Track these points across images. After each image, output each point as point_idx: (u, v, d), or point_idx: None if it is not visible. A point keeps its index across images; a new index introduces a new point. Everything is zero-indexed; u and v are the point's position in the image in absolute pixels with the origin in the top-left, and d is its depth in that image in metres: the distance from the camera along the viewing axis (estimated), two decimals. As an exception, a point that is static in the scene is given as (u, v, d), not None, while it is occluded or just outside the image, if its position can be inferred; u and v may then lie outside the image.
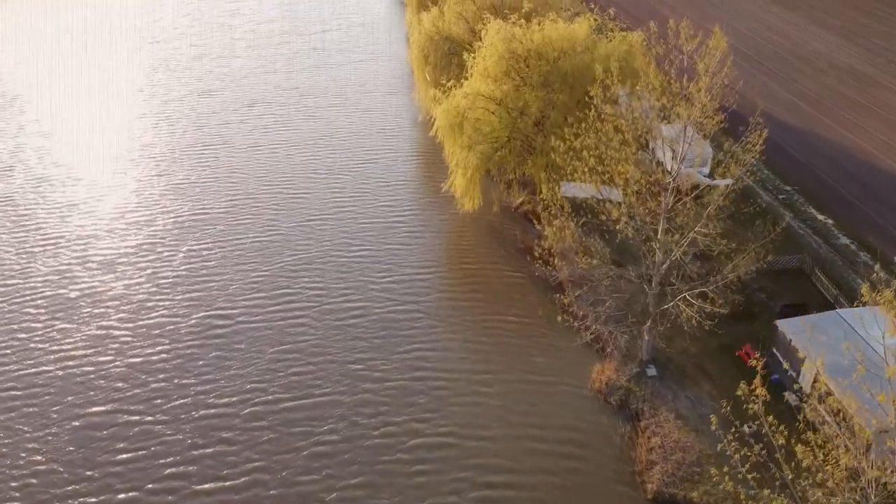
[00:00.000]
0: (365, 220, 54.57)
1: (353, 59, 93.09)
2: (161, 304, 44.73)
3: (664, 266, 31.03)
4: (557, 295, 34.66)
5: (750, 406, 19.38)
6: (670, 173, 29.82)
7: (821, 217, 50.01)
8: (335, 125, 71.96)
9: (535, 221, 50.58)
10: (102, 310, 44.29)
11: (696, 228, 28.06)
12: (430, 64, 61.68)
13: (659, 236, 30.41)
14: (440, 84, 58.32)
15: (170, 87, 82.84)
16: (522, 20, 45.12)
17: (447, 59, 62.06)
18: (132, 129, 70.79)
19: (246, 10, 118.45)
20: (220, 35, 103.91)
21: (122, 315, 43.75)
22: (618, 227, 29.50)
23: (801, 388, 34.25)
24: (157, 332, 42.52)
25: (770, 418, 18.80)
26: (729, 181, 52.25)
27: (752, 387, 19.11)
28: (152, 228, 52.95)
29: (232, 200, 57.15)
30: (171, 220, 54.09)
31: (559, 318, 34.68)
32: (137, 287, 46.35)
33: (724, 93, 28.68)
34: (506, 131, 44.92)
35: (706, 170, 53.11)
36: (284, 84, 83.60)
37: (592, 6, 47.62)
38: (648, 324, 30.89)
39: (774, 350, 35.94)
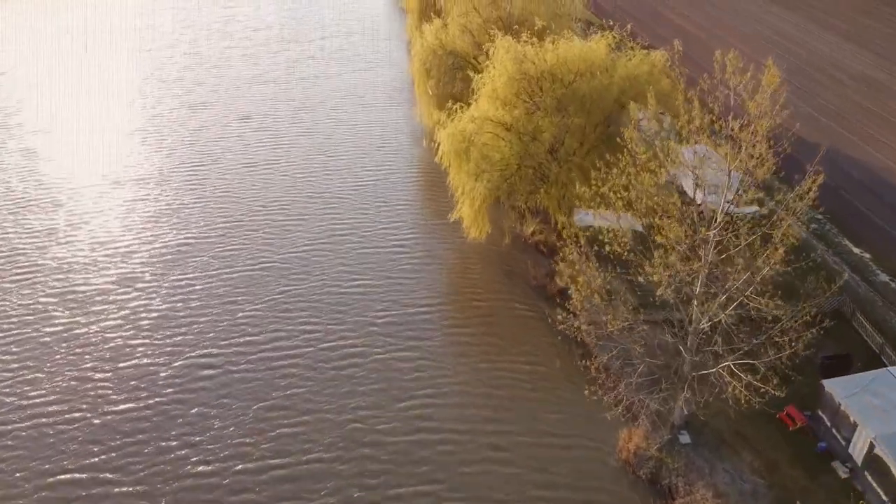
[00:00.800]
0: (364, 248, 50.94)
1: (352, 68, 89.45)
2: (140, 348, 41.07)
3: (704, 325, 27.32)
4: (584, 361, 31.02)
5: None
6: (712, 226, 26.15)
7: (856, 250, 46.32)
8: (333, 140, 68.31)
9: (546, 252, 47.06)
10: (77, 355, 40.63)
11: (747, 293, 24.45)
12: (432, 78, 58.18)
13: (697, 293, 26.73)
14: (443, 104, 54.94)
15: (160, 98, 79.17)
16: (535, 38, 41.48)
17: (451, 73, 58.66)
18: (119, 146, 67.03)
19: (241, 16, 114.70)
20: (214, 42, 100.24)
21: (97, 362, 40.08)
22: (658, 293, 25.89)
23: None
24: (134, 381, 38.84)
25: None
26: (755, 209, 48.73)
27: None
28: (134, 259, 49.25)
29: (222, 226, 53.48)
30: (155, 249, 50.39)
31: (586, 392, 30.98)
32: (116, 328, 42.67)
33: (779, 135, 25.11)
34: (516, 158, 41.27)
35: (730, 195, 49.43)
36: (280, 95, 79.95)
37: (610, 24, 43.90)
38: (686, 394, 27.23)
39: (820, 412, 32.32)
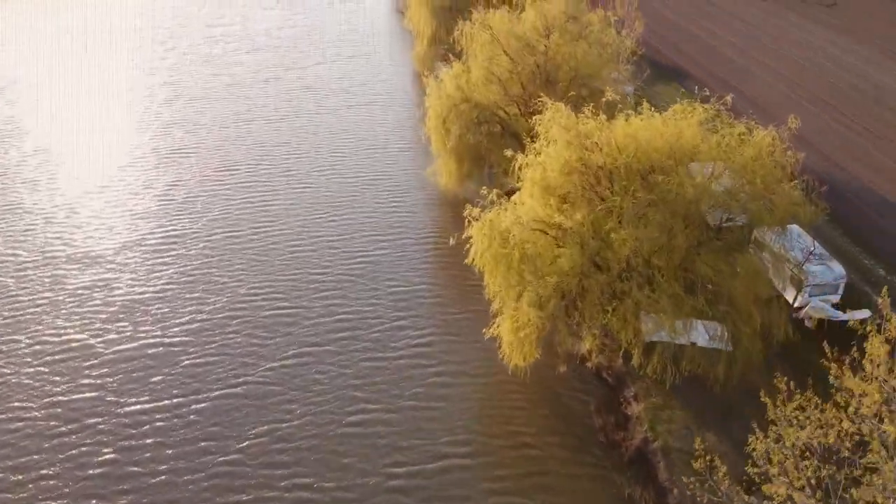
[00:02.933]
0: (374, 358, 40.54)
1: (355, 101, 79.20)
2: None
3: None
4: None
5: None
6: None
7: None
8: (334, 199, 57.98)
9: (613, 382, 36.77)
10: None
11: None
12: (453, 136, 47.77)
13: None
14: (465, 164, 44.94)
15: (136, 145, 68.80)
16: (602, 115, 31.00)
17: (475, 128, 48.36)
18: (79, 212, 56.42)
19: (232, 37, 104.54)
20: (199, 70, 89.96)
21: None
22: None
23: None
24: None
25: None
26: (866, 313, 38.32)
27: None
28: (81, 382, 38.68)
29: (192, 327, 43.02)
30: (107, 365, 39.81)
31: None
32: (51, 491, 32.32)
33: None
34: (576, 272, 30.84)
35: (835, 298, 38.99)
36: (272, 138, 69.71)
37: (705, 92, 33.47)
38: None
39: None
